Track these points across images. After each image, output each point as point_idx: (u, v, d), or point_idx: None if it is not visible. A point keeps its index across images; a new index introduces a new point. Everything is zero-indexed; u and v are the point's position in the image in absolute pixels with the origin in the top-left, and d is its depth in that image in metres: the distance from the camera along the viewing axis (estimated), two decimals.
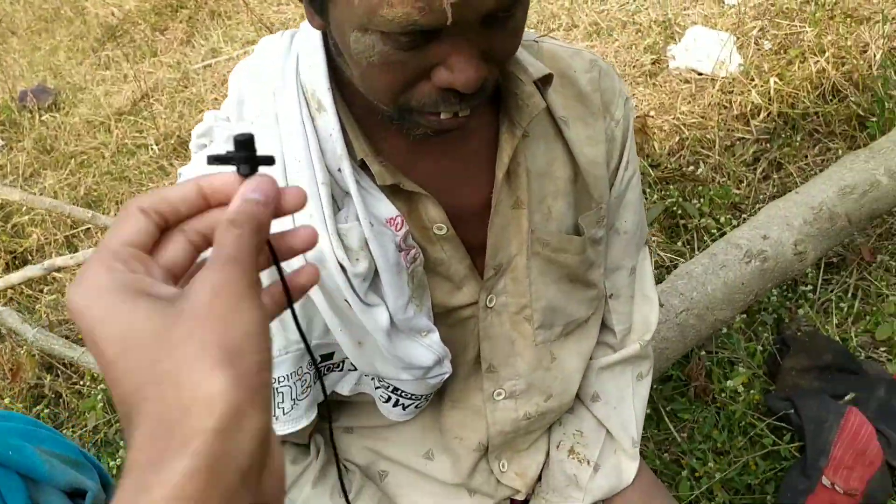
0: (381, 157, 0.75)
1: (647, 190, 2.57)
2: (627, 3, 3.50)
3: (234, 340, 0.35)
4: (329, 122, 0.71)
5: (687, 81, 2.95)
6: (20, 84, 4.52)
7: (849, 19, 2.81)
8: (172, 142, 3.55)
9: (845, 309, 2.18)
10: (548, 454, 1.06)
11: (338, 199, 0.74)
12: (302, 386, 0.81)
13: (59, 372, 2.30)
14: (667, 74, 3.02)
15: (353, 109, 0.75)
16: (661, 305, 1.11)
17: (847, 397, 1.80)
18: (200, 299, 0.36)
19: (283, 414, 0.82)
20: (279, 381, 0.79)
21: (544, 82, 0.80)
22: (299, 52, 0.74)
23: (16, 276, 1.90)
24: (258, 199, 0.41)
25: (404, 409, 0.88)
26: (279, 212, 0.43)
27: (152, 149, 3.56)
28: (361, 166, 0.74)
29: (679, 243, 2.39)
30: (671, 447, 1.93)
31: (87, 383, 2.20)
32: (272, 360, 0.39)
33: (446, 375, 0.85)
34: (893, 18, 2.79)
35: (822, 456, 1.64)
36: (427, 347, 0.80)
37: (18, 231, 3.13)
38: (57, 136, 3.86)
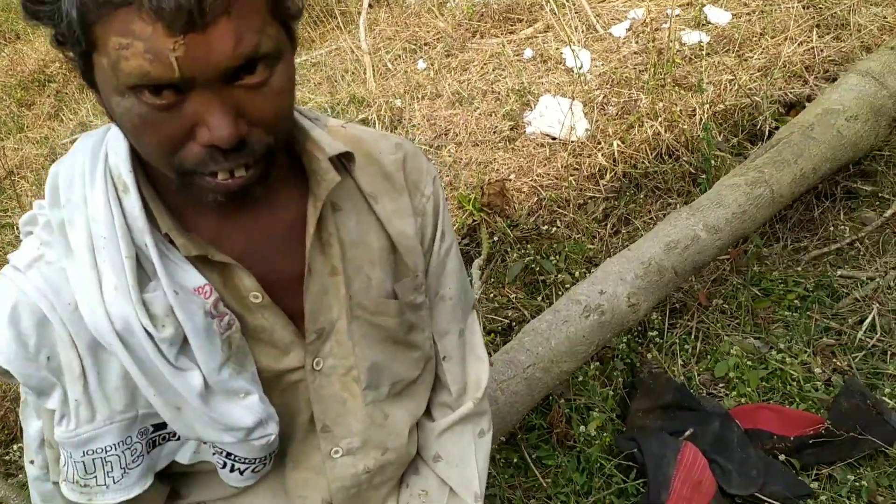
0: (192, 231, 0.83)
1: (508, 249, 2.75)
2: (487, 72, 3.75)
3: None
4: (132, 201, 0.79)
5: (542, 146, 3.18)
6: None
7: (677, 87, 3.13)
8: None
9: (689, 350, 2.39)
10: None
11: (148, 272, 0.81)
12: (132, 455, 0.87)
13: None
14: (524, 139, 3.25)
15: (158, 189, 0.83)
16: (490, 365, 1.21)
17: (686, 433, 1.98)
18: None
19: (114, 483, 0.87)
20: (106, 451, 0.85)
21: (347, 159, 0.90)
22: (108, 141, 0.82)
23: None
24: None
25: (241, 473, 0.94)
26: None
27: (18, 228, 3.47)
28: (170, 240, 0.82)
29: (539, 298, 2.56)
30: (538, 493, 2.05)
31: None
32: None
33: (272, 437, 0.91)
34: (713, 84, 3.13)
35: (664, 490, 1.80)
36: (246, 408, 0.86)
37: None
38: None
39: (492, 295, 2.59)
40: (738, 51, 3.33)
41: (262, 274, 0.86)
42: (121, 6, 0.62)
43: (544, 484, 2.05)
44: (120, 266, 0.78)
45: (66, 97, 4.77)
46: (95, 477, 0.86)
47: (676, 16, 3.67)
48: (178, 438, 0.91)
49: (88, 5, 0.63)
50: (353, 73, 4.06)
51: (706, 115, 2.96)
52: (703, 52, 3.34)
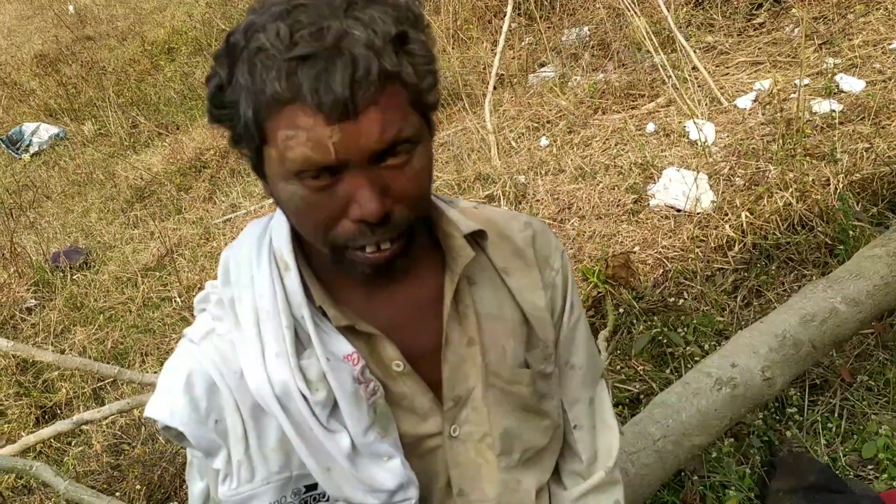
0: (343, 304, 0.92)
1: (634, 321, 2.74)
2: (609, 147, 3.81)
3: None
4: (293, 278, 0.90)
5: (666, 218, 3.18)
6: (53, 246, 4.85)
7: (809, 157, 3.06)
8: (195, 293, 3.79)
9: (833, 429, 2.27)
10: None
11: (303, 341, 0.90)
12: None
13: None
14: (648, 212, 3.26)
15: (314, 267, 0.93)
16: (621, 434, 1.23)
17: None
18: None
19: None
20: None
21: (480, 237, 0.98)
22: (272, 227, 0.94)
23: (47, 431, 2.07)
24: None
25: None
26: None
27: (175, 301, 3.80)
28: (322, 312, 0.91)
29: (667, 371, 2.52)
30: None
31: None
32: None
33: (412, 502, 0.95)
34: (848, 153, 3.04)
35: None
36: (389, 471, 0.92)
37: (48, 386, 3.31)
38: (87, 294, 4.13)
39: (618, 367, 2.58)
40: (874, 118, 3.22)
41: (403, 344, 0.93)
42: (287, 103, 0.73)
43: None
44: (280, 335, 0.88)
45: (218, 181, 5.22)
46: None
47: (805, 85, 3.61)
48: (328, 499, 0.99)
49: (261, 105, 0.74)
50: (478, 151, 4.23)
51: (841, 185, 2.87)
52: (836, 121, 3.26)
